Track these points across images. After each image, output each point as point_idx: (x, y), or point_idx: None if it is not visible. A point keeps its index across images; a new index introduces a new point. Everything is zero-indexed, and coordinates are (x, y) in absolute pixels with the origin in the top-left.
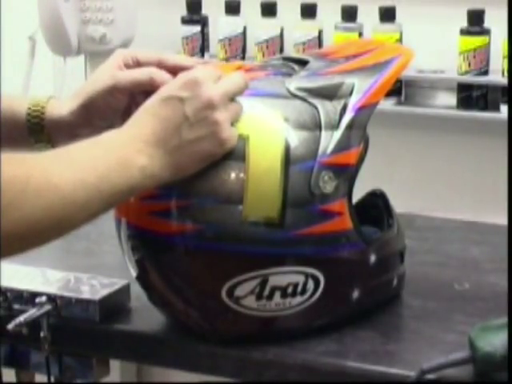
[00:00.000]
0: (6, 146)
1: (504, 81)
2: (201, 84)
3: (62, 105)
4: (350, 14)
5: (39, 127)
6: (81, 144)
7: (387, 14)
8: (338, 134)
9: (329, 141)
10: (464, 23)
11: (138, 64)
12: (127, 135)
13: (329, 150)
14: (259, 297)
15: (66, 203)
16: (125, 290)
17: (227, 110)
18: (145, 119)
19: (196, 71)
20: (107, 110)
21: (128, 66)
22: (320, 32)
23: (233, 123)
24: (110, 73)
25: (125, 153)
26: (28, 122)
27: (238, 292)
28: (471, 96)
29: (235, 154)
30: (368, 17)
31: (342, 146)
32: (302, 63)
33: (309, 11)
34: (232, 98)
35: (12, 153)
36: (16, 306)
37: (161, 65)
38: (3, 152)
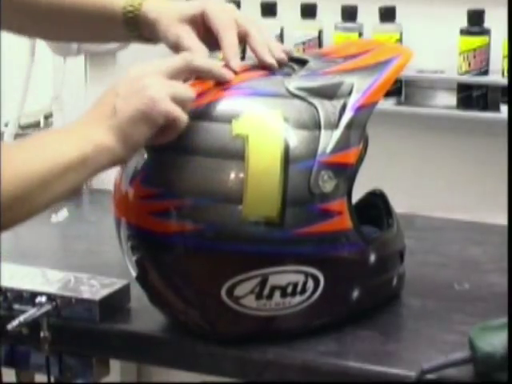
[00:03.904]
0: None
1: (504, 81)
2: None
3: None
4: (350, 13)
5: (135, 24)
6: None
7: (387, 14)
8: (337, 134)
9: (328, 140)
10: (464, 23)
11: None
12: (78, 120)
13: (328, 150)
14: (259, 296)
15: (22, 177)
16: (125, 290)
17: (160, 81)
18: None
19: None
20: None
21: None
22: (320, 32)
23: (178, 101)
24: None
25: (75, 129)
26: (123, 15)
27: (238, 291)
28: (471, 96)
29: (235, 154)
30: (368, 17)
31: (341, 146)
32: (302, 63)
33: (309, 11)
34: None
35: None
36: (16, 306)
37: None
38: None
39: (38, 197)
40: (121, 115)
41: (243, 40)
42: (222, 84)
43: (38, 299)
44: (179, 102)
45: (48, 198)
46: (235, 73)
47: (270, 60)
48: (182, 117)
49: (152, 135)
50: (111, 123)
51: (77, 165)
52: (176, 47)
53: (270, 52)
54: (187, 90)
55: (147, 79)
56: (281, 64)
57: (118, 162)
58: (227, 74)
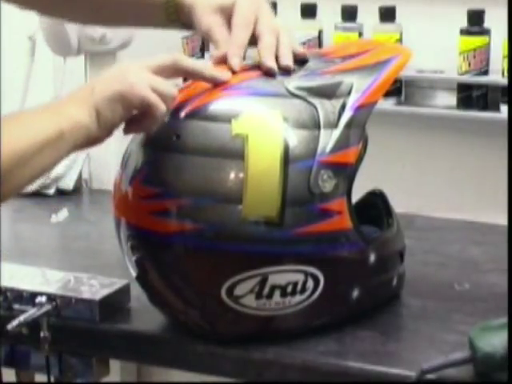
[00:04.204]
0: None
1: (504, 81)
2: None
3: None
4: (350, 13)
5: (173, 7)
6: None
7: (387, 14)
8: (337, 133)
9: (328, 140)
10: (464, 23)
11: None
12: (59, 99)
13: (328, 149)
14: (259, 296)
15: (6, 153)
16: (125, 290)
17: (142, 72)
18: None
19: None
20: None
21: None
22: (320, 32)
23: (158, 93)
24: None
25: (55, 106)
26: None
27: (238, 291)
28: (471, 96)
29: (234, 154)
30: (368, 17)
31: (341, 145)
32: (301, 63)
33: (309, 11)
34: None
35: None
36: (16, 306)
37: None
38: None
39: (18, 174)
40: (98, 95)
41: (255, 41)
42: (221, 84)
43: (38, 299)
44: (159, 94)
45: (27, 175)
46: (233, 72)
47: (270, 64)
48: (160, 106)
49: (128, 119)
50: (88, 102)
51: (54, 141)
52: (207, 37)
53: (278, 58)
54: (169, 86)
55: (130, 71)
56: (286, 70)
57: (93, 140)
58: (222, 76)
